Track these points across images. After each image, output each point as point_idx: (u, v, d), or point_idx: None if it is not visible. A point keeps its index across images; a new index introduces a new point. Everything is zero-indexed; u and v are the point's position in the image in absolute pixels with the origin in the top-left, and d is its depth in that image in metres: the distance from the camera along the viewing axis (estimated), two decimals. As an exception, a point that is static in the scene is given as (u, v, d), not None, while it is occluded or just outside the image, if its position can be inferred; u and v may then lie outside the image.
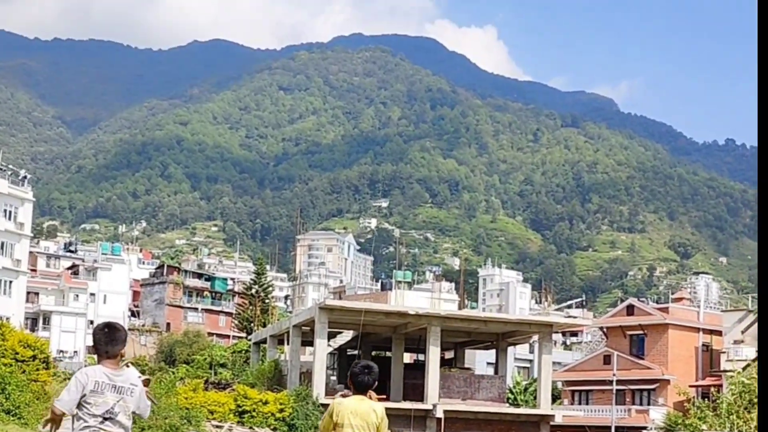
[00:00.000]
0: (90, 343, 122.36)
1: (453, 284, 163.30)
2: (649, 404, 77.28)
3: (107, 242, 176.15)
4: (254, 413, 52.50)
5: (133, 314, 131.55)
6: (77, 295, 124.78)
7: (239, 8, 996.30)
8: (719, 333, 78.68)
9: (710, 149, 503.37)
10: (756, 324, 62.93)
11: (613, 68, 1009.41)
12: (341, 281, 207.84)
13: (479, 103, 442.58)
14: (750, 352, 67.15)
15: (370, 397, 9.98)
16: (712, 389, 64.56)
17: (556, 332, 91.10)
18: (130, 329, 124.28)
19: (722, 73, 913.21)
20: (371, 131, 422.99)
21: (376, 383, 10.11)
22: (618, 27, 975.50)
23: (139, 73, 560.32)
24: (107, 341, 9.23)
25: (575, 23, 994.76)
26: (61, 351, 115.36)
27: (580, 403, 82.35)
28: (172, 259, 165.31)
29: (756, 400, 24.71)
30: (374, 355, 66.30)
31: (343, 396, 10.09)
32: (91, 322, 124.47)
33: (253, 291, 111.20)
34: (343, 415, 9.87)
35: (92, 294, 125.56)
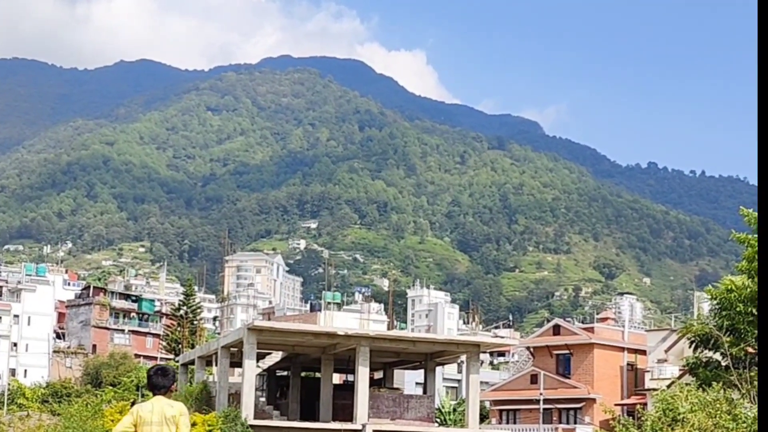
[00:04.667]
0: (14, 365, 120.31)
1: (382, 305, 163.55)
2: (575, 423, 78.24)
3: (32, 263, 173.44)
4: (183, 435, 52.01)
5: (59, 336, 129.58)
6: (0, 317, 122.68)
7: (167, 29, 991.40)
8: (643, 352, 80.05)
9: (633, 172, 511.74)
10: (679, 343, 64.30)
11: (540, 92, 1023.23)
12: (270, 302, 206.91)
13: (407, 125, 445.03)
14: (673, 370, 68.48)
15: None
16: (638, 407, 65.66)
17: (484, 352, 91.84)
18: (55, 351, 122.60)
19: (645, 99, 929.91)
20: (300, 152, 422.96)
21: (174, 384, 11.02)
22: (545, 53, 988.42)
23: (64, 92, 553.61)
24: None
25: (504, 49, 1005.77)
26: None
27: (507, 422, 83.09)
28: (98, 280, 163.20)
29: (680, 417, 25.43)
30: (303, 375, 66.24)
31: None
32: (15, 345, 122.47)
33: (182, 312, 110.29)
34: (143, 414, 10.79)
35: (16, 316, 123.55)
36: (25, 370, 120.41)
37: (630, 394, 78.79)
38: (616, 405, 72.96)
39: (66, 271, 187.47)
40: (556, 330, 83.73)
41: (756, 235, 28.61)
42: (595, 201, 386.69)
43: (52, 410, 77.40)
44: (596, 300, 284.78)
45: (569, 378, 79.75)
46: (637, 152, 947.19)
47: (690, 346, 38.52)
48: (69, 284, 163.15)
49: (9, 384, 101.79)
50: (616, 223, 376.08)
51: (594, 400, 76.62)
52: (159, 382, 10.85)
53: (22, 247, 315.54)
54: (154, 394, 10.88)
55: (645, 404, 66.41)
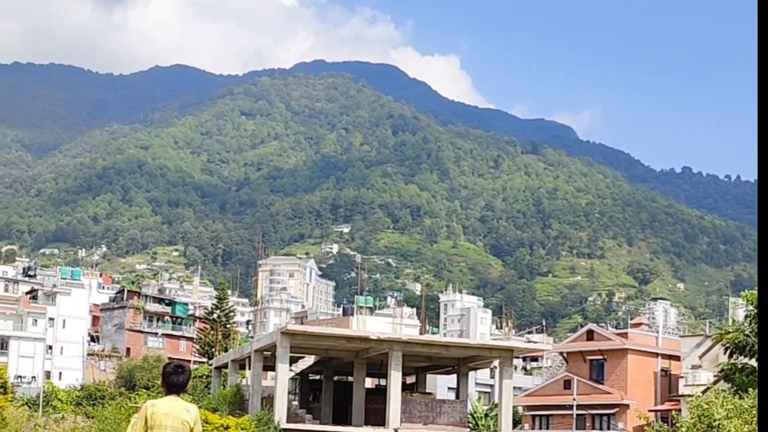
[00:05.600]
0: (49, 368, 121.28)
1: (414, 309, 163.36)
2: (609, 429, 77.76)
3: (67, 267, 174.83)
4: (216, 438, 52.15)
5: (93, 339, 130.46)
6: (36, 320, 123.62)
7: (202, 34, 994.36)
8: (677, 358, 79.40)
9: (668, 177, 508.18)
10: (714, 349, 63.73)
11: (574, 97, 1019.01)
12: (303, 306, 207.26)
13: (441, 129, 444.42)
14: (708, 376, 67.92)
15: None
16: (672, 413, 65.15)
17: (517, 357, 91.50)
18: (89, 354, 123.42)
19: (679, 104, 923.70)
20: (333, 156, 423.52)
21: (189, 382, 10.46)
22: (579, 58, 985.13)
23: (100, 97, 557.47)
24: None
25: (537, 54, 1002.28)
26: (19, 376, 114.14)
27: (540, 428, 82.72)
28: (132, 283, 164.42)
29: (715, 424, 25.15)
30: (336, 380, 66.30)
31: None
32: (50, 347, 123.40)
33: (215, 316, 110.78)
34: (157, 417, 10.13)
35: (51, 319, 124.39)
36: (60, 373, 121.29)
37: (664, 400, 78.18)
38: (649, 411, 72.39)
39: (101, 275, 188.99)
40: (590, 335, 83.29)
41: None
42: (630, 206, 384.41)
43: (86, 413, 77.85)
44: (630, 305, 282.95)
45: (603, 384, 79.27)
46: (671, 157, 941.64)
47: (725, 352, 38.21)
48: (103, 288, 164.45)
49: (44, 386, 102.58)
50: (650, 228, 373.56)
51: (627, 406, 76.13)
52: (178, 380, 10.34)
53: (58, 251, 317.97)
54: (168, 393, 10.31)
55: (679, 410, 65.79)
